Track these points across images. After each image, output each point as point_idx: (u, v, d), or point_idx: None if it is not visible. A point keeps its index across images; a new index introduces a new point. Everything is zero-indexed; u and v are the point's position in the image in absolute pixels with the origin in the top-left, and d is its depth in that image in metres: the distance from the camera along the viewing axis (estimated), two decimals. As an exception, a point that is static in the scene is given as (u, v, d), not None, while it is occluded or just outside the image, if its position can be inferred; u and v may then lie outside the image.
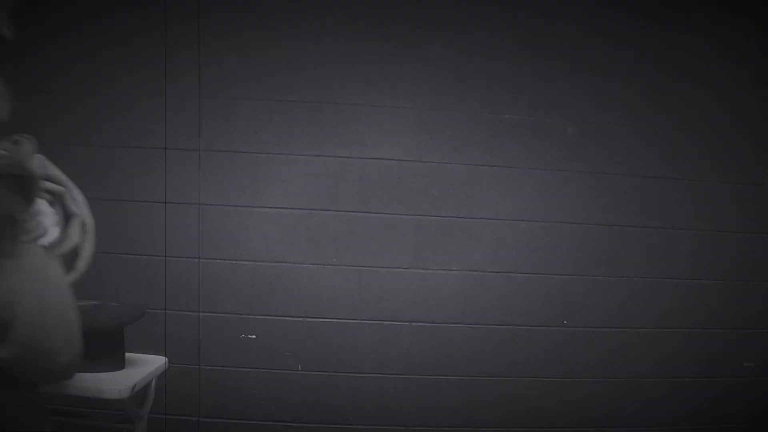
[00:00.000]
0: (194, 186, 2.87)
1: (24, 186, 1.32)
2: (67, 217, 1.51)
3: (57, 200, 1.53)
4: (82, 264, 1.51)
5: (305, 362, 2.89)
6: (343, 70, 2.88)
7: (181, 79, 2.86)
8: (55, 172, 1.58)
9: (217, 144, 2.87)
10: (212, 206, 2.87)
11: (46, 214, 1.43)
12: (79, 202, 1.56)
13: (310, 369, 2.89)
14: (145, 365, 2.28)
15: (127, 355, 2.27)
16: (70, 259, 1.48)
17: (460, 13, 2.87)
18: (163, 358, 2.37)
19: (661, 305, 2.99)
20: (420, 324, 2.87)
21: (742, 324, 3.01)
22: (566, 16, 2.91)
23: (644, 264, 2.98)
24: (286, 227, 2.88)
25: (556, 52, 2.91)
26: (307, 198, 2.89)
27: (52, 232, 1.43)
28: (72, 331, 1.34)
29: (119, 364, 2.23)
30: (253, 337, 2.88)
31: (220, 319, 2.88)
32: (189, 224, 2.87)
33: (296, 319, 2.88)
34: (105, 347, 2.20)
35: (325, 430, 2.91)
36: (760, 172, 3.00)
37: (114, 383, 2.09)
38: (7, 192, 1.28)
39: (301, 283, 2.88)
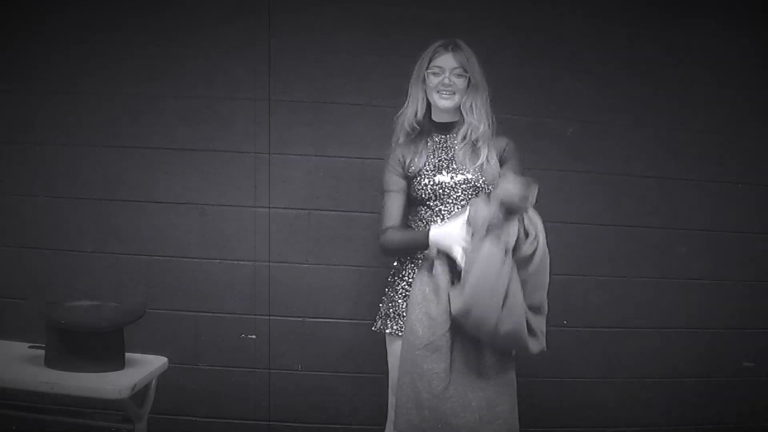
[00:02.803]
0: (194, 186, 2.87)
1: (515, 213, 2.05)
2: (526, 234, 2.12)
3: (520, 220, 2.12)
4: (531, 268, 2.14)
5: (305, 362, 2.89)
6: (344, 70, 2.87)
7: (182, 79, 2.86)
8: None
9: (217, 144, 2.87)
10: (212, 206, 2.87)
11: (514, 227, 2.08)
12: (536, 225, 2.15)
13: (310, 369, 2.89)
14: (145, 365, 2.28)
15: (127, 355, 2.27)
16: (524, 262, 2.11)
17: (460, 13, 2.87)
18: (163, 358, 2.37)
19: (661, 305, 2.99)
20: (420, 324, 2.87)
21: (742, 324, 3.01)
22: (566, 16, 2.91)
23: (644, 264, 2.98)
24: (286, 227, 2.88)
25: (556, 52, 2.90)
26: (307, 198, 2.88)
27: (513, 241, 2.07)
28: (506, 307, 2.04)
29: (119, 364, 2.23)
30: (253, 337, 2.88)
31: (220, 319, 2.88)
32: (189, 224, 2.87)
33: (296, 319, 2.88)
34: (105, 347, 2.20)
35: (325, 430, 2.91)
36: (761, 172, 3.00)
37: (114, 383, 2.08)
38: (504, 213, 2.04)
39: (301, 283, 2.88)
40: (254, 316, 2.87)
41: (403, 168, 2.31)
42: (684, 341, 3.00)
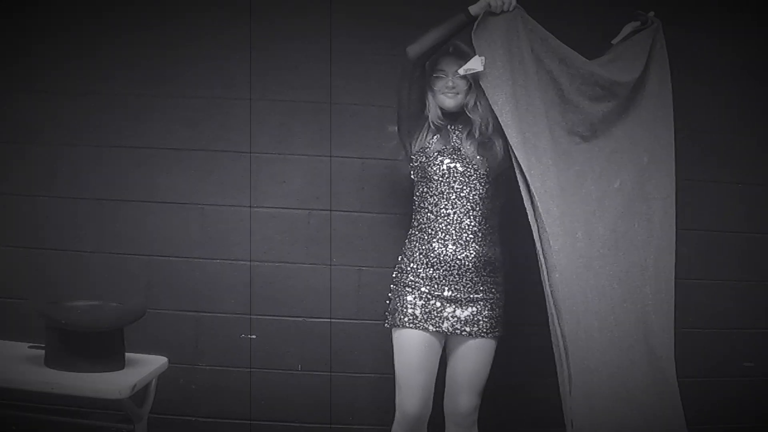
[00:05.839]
0: (194, 186, 2.87)
1: None
2: None
3: None
4: None
5: (305, 362, 2.89)
6: (344, 70, 2.87)
7: (182, 79, 2.86)
8: None
9: (217, 144, 2.87)
10: (212, 206, 2.87)
11: None
12: None
13: (310, 369, 2.89)
14: (145, 365, 2.28)
15: (127, 355, 2.27)
16: None
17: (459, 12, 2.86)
18: (163, 358, 2.38)
19: (661, 305, 2.98)
20: (420, 324, 2.87)
21: (742, 324, 3.01)
22: (566, 16, 2.91)
23: (644, 264, 2.97)
24: (286, 227, 2.88)
25: (556, 52, 2.90)
26: (307, 198, 2.88)
27: None
28: None
29: (119, 364, 2.23)
30: (253, 337, 2.88)
31: (220, 319, 2.88)
32: (189, 224, 2.87)
33: (296, 319, 2.88)
34: (105, 347, 2.21)
35: (325, 430, 2.91)
36: (760, 172, 3.00)
37: (114, 383, 2.09)
38: None
39: (301, 283, 2.88)
40: (254, 316, 2.87)
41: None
42: (684, 341, 2.99)
